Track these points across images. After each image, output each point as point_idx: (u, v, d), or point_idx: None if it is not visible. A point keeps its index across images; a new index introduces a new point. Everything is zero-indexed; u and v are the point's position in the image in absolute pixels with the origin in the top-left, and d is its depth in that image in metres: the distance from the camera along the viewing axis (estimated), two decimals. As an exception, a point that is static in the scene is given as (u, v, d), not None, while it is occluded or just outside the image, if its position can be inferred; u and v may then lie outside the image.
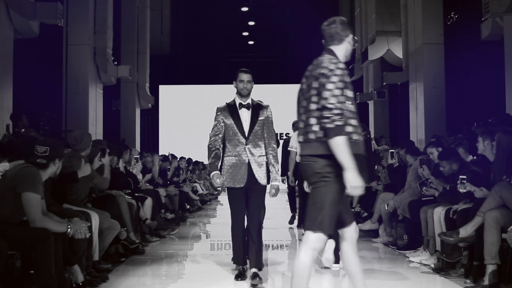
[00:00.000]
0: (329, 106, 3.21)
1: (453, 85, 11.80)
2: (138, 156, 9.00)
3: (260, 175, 4.96)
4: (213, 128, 5.09)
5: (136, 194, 7.55)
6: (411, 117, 12.46)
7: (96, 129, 11.95)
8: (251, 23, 20.39)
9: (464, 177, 5.17)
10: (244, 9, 19.51)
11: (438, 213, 5.64)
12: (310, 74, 3.40)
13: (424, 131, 11.60)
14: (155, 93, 17.74)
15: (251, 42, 21.73)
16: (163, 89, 19.82)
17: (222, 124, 5.04)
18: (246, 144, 4.98)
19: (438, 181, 6.04)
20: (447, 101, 11.73)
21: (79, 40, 11.64)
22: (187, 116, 19.30)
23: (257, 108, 5.08)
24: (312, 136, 3.31)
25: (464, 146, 6.21)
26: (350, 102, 3.31)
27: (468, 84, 11.47)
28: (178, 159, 12.87)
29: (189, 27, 21.38)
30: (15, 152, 4.93)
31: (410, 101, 12.59)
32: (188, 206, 11.51)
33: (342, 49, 3.50)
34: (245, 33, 21.41)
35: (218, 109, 5.11)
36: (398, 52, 13.52)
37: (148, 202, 7.75)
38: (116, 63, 13.40)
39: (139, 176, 8.68)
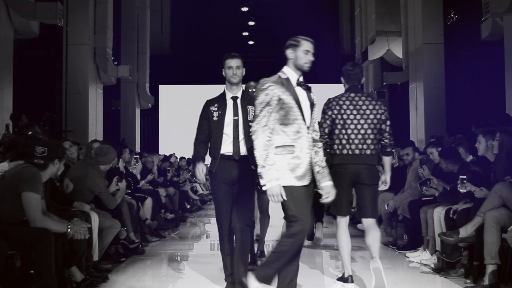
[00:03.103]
0: (391, 135, 4.74)
1: (453, 85, 11.80)
2: (138, 156, 9.00)
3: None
4: (263, 108, 3.74)
5: (136, 194, 7.55)
6: (411, 117, 12.46)
7: (96, 129, 11.95)
8: (251, 23, 20.35)
9: (464, 177, 5.17)
10: (244, 9, 19.47)
11: (438, 213, 5.64)
12: (366, 108, 4.69)
13: (424, 131, 11.60)
14: (155, 93, 17.74)
15: (251, 42, 21.71)
16: (163, 89, 19.81)
17: (276, 101, 3.77)
18: (308, 133, 3.84)
19: (438, 181, 6.05)
20: (447, 101, 11.73)
21: (79, 40, 11.64)
22: (187, 116, 19.24)
23: (309, 90, 3.96)
24: (368, 152, 4.65)
25: (464, 146, 6.21)
26: None
27: (468, 84, 11.48)
28: (178, 159, 12.89)
29: (189, 27, 21.36)
30: (16, 150, 4.96)
31: (410, 101, 12.60)
32: (188, 206, 11.52)
33: None
34: (245, 33, 21.38)
35: (267, 81, 3.83)
36: (398, 52, 13.51)
37: (148, 202, 7.75)
38: (116, 63, 13.41)
39: (138, 176, 8.67)
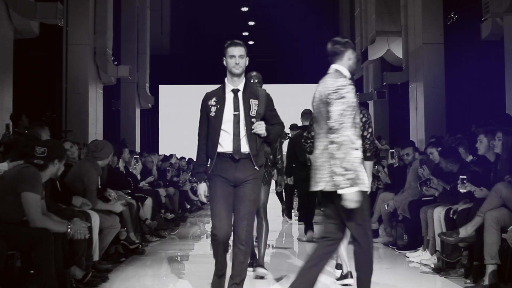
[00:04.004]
0: (372, 141, 4.81)
1: (453, 85, 11.79)
2: (138, 156, 9.00)
3: None
4: (347, 108, 3.55)
5: (136, 194, 7.55)
6: (411, 117, 12.46)
7: (96, 129, 11.95)
8: (251, 23, 20.37)
9: (465, 177, 5.17)
10: (244, 9, 19.49)
11: (438, 213, 5.64)
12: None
13: (424, 131, 11.60)
14: (155, 93, 17.74)
15: (251, 42, 21.71)
16: (163, 89, 19.82)
17: (355, 102, 3.62)
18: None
19: (438, 181, 6.05)
20: (447, 101, 11.73)
21: (79, 40, 11.64)
22: (187, 116, 19.25)
23: None
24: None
25: (464, 146, 6.21)
26: None
27: (468, 84, 11.47)
28: (178, 159, 12.88)
29: (189, 27, 21.37)
30: (16, 150, 4.97)
31: (410, 101, 12.59)
32: (188, 206, 11.51)
33: None
34: (245, 33, 21.39)
35: (346, 79, 3.66)
36: (398, 52, 13.51)
37: (148, 202, 7.75)
38: (116, 63, 13.41)
39: (138, 177, 8.67)
